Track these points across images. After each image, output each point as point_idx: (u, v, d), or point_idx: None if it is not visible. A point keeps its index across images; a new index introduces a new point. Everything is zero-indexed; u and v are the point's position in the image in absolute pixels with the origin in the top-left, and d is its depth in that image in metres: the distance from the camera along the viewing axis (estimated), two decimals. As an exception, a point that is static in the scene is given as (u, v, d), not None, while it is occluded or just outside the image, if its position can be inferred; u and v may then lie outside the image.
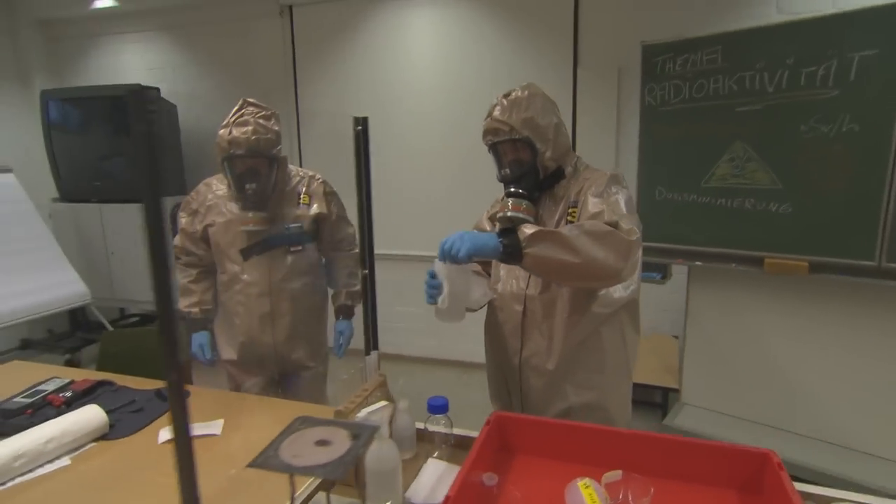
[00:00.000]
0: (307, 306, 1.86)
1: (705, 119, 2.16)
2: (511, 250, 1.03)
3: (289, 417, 0.95)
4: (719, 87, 2.10)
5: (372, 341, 1.22)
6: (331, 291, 1.98)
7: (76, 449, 1.26)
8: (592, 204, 1.18)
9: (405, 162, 3.56)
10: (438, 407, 1.09)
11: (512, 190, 1.27)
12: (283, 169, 1.77)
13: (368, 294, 1.22)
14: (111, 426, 1.34)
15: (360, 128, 1.09)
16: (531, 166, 1.26)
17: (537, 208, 1.28)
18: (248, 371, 1.87)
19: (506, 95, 1.26)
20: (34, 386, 1.55)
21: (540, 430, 1.06)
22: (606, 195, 1.19)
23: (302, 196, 1.80)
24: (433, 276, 1.12)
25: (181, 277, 1.85)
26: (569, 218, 1.24)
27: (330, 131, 3.68)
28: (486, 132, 1.29)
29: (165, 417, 1.42)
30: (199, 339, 1.84)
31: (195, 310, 1.84)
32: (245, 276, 1.76)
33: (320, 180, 1.86)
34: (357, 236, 1.98)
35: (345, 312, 1.94)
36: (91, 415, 1.31)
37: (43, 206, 3.81)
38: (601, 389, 1.27)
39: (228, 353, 1.86)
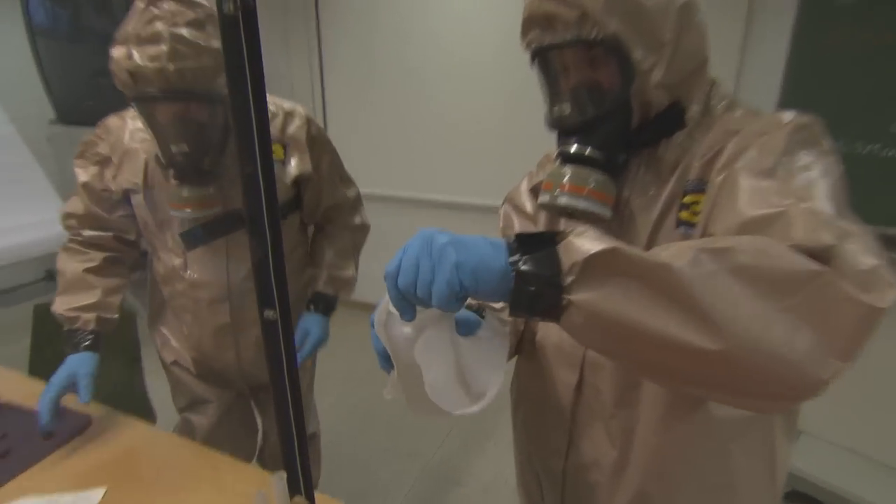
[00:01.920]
0: (295, 288, 1.30)
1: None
2: (537, 289, 0.46)
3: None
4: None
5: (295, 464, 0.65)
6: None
7: None
8: (751, 192, 0.53)
9: (450, 86, 2.82)
10: None
11: (572, 150, 0.64)
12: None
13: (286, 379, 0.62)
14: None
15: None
16: (617, 100, 0.62)
17: (620, 188, 0.66)
18: (209, 381, 1.33)
19: None
20: None
21: None
22: (787, 172, 0.53)
23: (272, 147, 1.14)
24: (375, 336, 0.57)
25: (73, 262, 1.17)
26: (683, 216, 0.61)
27: (361, 55, 2.97)
28: (530, 23, 0.64)
29: (37, 471, 0.96)
30: (77, 366, 1.05)
31: (87, 316, 1.11)
32: (190, 274, 1.17)
33: (301, 118, 1.18)
34: (359, 201, 1.36)
35: (319, 304, 1.30)
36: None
37: (41, 129, 3.43)
38: None
39: (176, 354, 1.32)
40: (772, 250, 0.43)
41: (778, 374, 0.41)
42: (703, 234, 0.59)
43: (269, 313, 0.58)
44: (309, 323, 1.27)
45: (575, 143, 0.64)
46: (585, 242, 0.44)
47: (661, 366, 0.46)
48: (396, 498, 1.90)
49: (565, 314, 0.45)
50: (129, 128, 1.14)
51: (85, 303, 1.13)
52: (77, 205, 1.18)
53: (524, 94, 2.48)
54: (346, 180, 1.34)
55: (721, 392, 0.46)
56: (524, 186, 0.85)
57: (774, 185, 0.52)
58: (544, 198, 0.65)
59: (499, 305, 0.76)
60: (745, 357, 0.41)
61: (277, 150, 1.16)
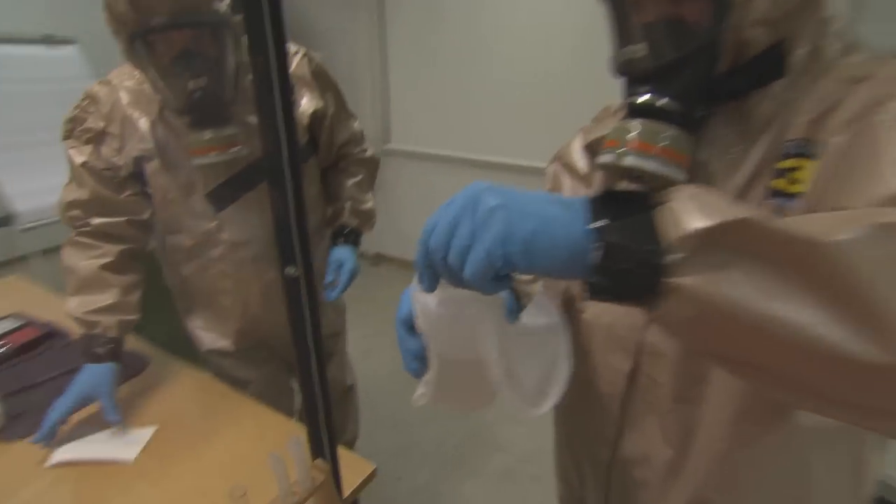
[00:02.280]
0: (323, 251, 1.28)
1: None
2: (629, 268, 0.35)
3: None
4: None
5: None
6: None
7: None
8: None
9: (513, 45, 2.66)
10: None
11: (643, 100, 0.53)
12: (241, 45, 0.98)
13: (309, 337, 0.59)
14: (12, 417, 0.98)
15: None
16: (703, 39, 0.51)
17: (699, 148, 0.55)
18: (249, 363, 1.28)
19: None
20: (-15, 325, 1.25)
21: None
22: None
23: None
24: (407, 323, 0.49)
25: (85, 258, 1.04)
26: (778, 185, 0.50)
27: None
28: None
29: (88, 410, 1.01)
30: (98, 384, 0.95)
31: (108, 321, 1.01)
32: (226, 235, 1.10)
33: (300, 53, 1.12)
34: (363, 134, 1.31)
35: (349, 236, 1.28)
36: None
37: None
38: None
39: (213, 341, 1.24)
40: None
41: None
42: (813, 210, 0.47)
43: (290, 270, 0.54)
44: (341, 254, 1.25)
45: (647, 91, 0.53)
46: (697, 208, 0.34)
47: (789, 376, 0.35)
48: (437, 459, 1.91)
49: (664, 303, 0.34)
50: (122, 91, 1.03)
51: (104, 304, 1.02)
52: (79, 191, 1.04)
53: (589, 52, 2.30)
54: (351, 114, 1.29)
55: (873, 418, 0.35)
56: (577, 143, 0.75)
57: None
58: (606, 157, 0.53)
59: (527, 278, 0.67)
60: None
61: None
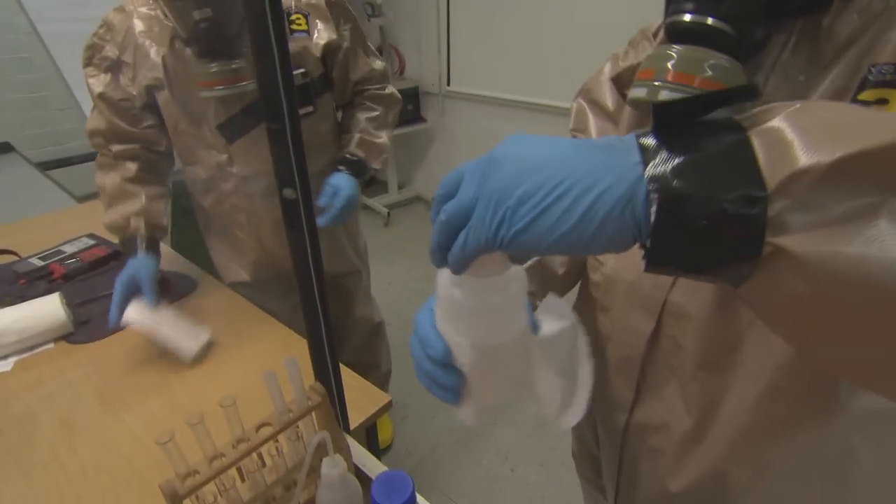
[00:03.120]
0: None
1: None
2: (703, 220, 0.23)
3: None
4: None
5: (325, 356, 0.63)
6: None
7: (31, 348, 1.04)
8: None
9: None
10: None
11: (686, 19, 0.44)
12: None
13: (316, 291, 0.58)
14: (81, 323, 1.09)
15: None
16: None
17: (756, 77, 0.47)
18: (267, 293, 1.31)
19: None
20: (61, 244, 1.39)
21: None
22: None
23: (293, 17, 1.04)
24: (428, 324, 0.40)
25: (110, 175, 1.10)
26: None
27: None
28: None
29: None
30: (138, 269, 1.00)
31: (136, 222, 1.07)
32: (237, 169, 1.13)
33: None
34: (387, 75, 1.25)
35: (350, 166, 1.19)
36: (48, 308, 1.05)
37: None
38: None
39: (235, 273, 1.30)
40: None
41: None
42: None
43: (288, 192, 0.54)
44: (337, 180, 1.14)
45: (692, 9, 0.44)
46: (815, 129, 0.23)
47: None
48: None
49: (766, 273, 0.24)
50: (135, 19, 1.02)
51: (131, 209, 1.09)
52: (98, 120, 1.09)
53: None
54: (372, 53, 1.23)
55: None
56: (606, 73, 0.66)
57: None
58: (639, 91, 0.46)
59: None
60: None
61: (300, 20, 1.05)
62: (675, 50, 0.44)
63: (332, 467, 0.57)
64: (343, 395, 0.71)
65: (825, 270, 0.22)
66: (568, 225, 0.26)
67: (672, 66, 0.44)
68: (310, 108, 1.13)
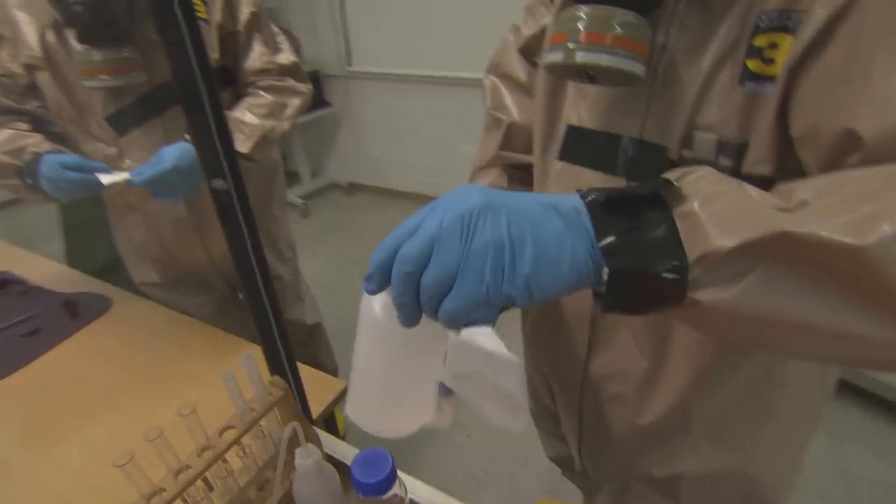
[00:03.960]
0: (255, 188, 1.19)
1: None
2: (641, 285, 0.33)
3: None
4: None
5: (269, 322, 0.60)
6: None
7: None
8: None
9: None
10: (370, 487, 0.52)
11: None
12: None
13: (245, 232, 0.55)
14: (-25, 364, 0.96)
15: None
16: None
17: (657, 31, 0.49)
18: (183, 293, 1.22)
19: None
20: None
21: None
22: None
23: (195, 2, 0.94)
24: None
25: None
26: (752, 67, 0.43)
27: None
28: None
29: (64, 347, 1.02)
30: (56, 159, 0.87)
31: (35, 139, 0.95)
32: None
33: None
34: (297, 71, 1.12)
35: None
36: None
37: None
38: (756, 449, 0.63)
39: (142, 273, 1.21)
40: None
41: None
42: (788, 99, 0.42)
43: (218, 183, 0.51)
44: (170, 148, 0.91)
45: None
46: (721, 217, 0.31)
47: (821, 355, 0.37)
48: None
49: (684, 311, 0.33)
50: None
51: (23, 130, 0.95)
52: None
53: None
54: (276, 47, 1.11)
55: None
56: (512, 45, 0.68)
57: None
58: (555, 55, 0.47)
59: None
60: None
61: (199, 7, 0.96)
62: (583, 11, 0.46)
63: (306, 457, 0.56)
64: (302, 387, 0.69)
65: (719, 310, 0.32)
66: (546, 293, 0.33)
67: (583, 27, 0.46)
68: None
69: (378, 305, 0.38)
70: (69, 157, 0.88)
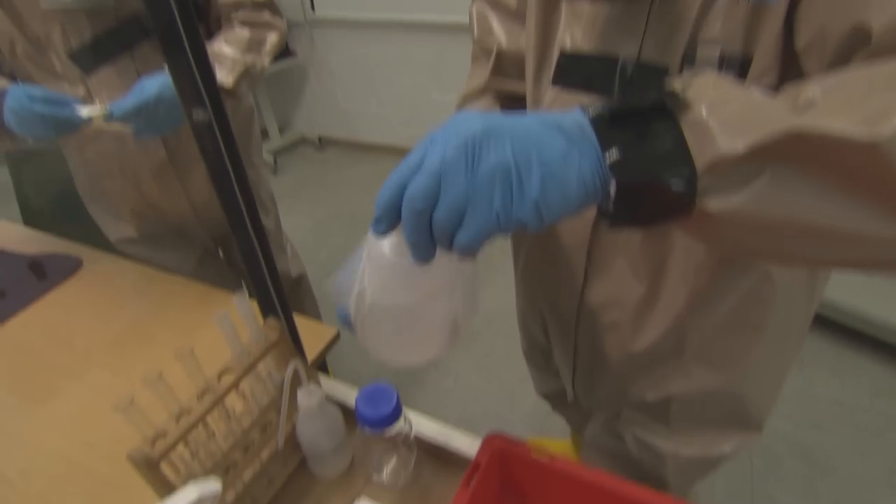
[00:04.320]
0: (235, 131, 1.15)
1: None
2: (653, 199, 0.32)
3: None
4: None
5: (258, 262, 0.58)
6: None
7: None
8: None
9: None
10: (377, 420, 0.52)
11: None
12: None
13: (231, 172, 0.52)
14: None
15: None
16: None
17: None
18: (162, 248, 1.18)
19: None
20: None
21: (559, 481, 0.50)
22: None
23: None
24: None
25: None
26: None
27: None
28: None
29: (33, 310, 0.97)
30: (23, 90, 0.78)
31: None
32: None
33: None
34: (271, 5, 1.06)
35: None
36: None
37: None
38: (743, 368, 0.65)
39: (119, 229, 1.15)
40: None
41: None
42: (794, 6, 0.40)
43: (198, 113, 0.47)
44: (150, 78, 0.83)
45: None
46: (730, 120, 0.30)
47: (827, 258, 0.36)
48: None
49: (693, 221, 0.33)
50: None
51: None
52: None
53: None
54: None
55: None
56: None
57: None
58: None
59: None
60: None
61: None
62: None
63: (309, 396, 0.56)
64: (296, 329, 0.68)
65: (727, 217, 0.31)
66: (555, 214, 0.32)
67: None
68: None
69: (387, 245, 0.38)
70: (38, 89, 0.78)
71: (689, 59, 0.47)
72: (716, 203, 0.31)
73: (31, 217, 1.50)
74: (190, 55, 0.44)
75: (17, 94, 0.77)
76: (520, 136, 0.32)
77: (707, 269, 0.55)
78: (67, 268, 1.07)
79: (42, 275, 1.05)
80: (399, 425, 0.56)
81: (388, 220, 0.34)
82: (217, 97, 0.48)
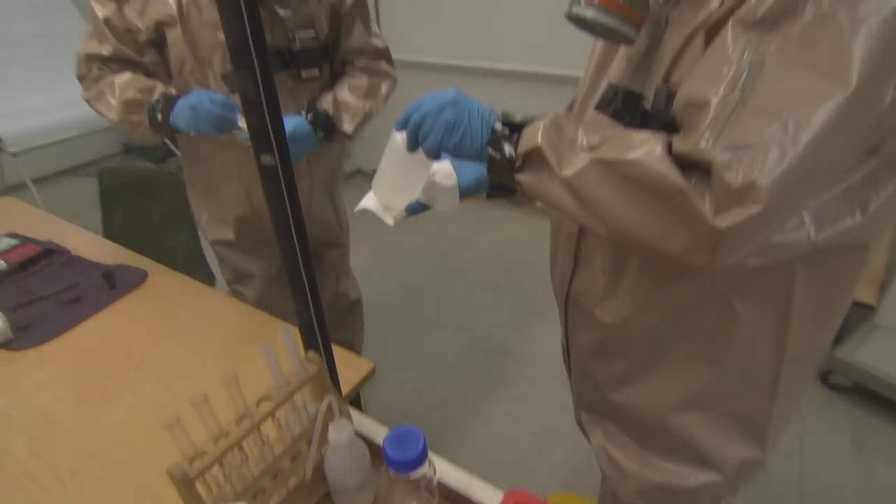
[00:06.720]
0: (326, 158, 1.26)
1: None
2: (499, 170, 0.57)
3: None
4: None
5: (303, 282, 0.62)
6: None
7: (-33, 359, 0.95)
8: (713, 55, 0.47)
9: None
10: (402, 463, 0.53)
11: None
12: None
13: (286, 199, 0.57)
14: (20, 329, 1.00)
15: None
16: None
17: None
18: (251, 256, 1.32)
19: None
20: (-20, 245, 1.25)
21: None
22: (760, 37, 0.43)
23: None
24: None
25: (116, 77, 1.04)
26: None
27: None
28: None
29: (103, 316, 1.05)
30: (199, 95, 0.97)
31: (160, 88, 1.04)
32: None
33: None
34: (387, 54, 1.24)
35: (313, 113, 1.10)
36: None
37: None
38: (699, 402, 0.67)
39: (218, 231, 1.29)
40: (644, 166, 0.46)
41: (649, 248, 0.49)
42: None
43: (266, 158, 0.52)
44: (288, 119, 1.02)
45: None
46: (533, 134, 0.53)
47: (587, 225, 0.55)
48: (440, 366, 1.99)
49: (520, 188, 0.57)
50: None
51: (152, 83, 1.04)
52: (100, 46, 1.04)
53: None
54: (374, 31, 1.21)
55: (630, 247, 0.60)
56: None
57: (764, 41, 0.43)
58: (576, 7, 0.55)
59: None
60: (626, 241, 0.52)
61: None
62: None
63: (340, 431, 0.58)
64: (334, 364, 0.71)
65: (530, 190, 0.55)
66: (464, 156, 0.60)
67: None
68: (315, 72, 1.11)
69: (399, 137, 0.66)
70: (217, 95, 0.97)
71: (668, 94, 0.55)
72: (520, 177, 0.55)
73: (110, 228, 1.64)
74: (266, 114, 0.49)
75: (200, 96, 0.96)
76: (466, 110, 0.58)
77: (652, 278, 0.62)
78: (135, 279, 1.15)
79: (113, 284, 1.13)
80: (423, 469, 0.57)
81: (401, 125, 0.63)
82: (283, 144, 0.52)
